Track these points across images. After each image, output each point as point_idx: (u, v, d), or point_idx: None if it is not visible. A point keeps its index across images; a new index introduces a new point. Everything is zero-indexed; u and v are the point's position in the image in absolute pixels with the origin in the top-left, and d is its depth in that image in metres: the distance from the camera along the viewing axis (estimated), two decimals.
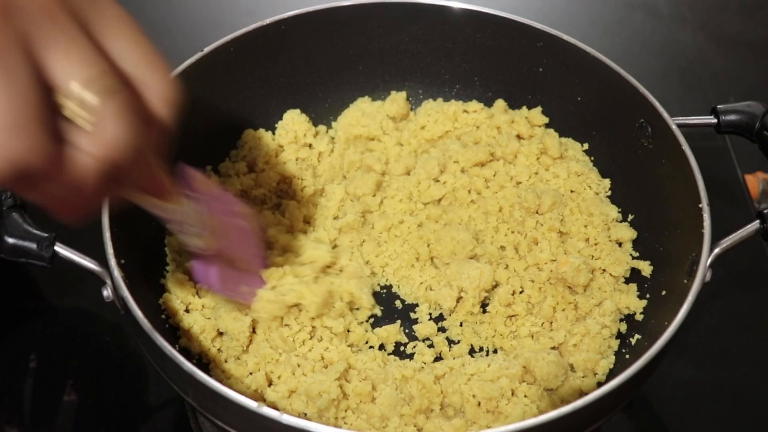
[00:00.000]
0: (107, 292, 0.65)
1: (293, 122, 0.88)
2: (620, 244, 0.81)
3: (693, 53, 1.21)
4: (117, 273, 0.64)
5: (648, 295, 0.77)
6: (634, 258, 0.80)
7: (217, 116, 0.85)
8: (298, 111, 0.89)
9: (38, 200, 0.44)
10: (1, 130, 0.39)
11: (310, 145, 0.88)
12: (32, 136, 0.40)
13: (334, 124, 0.91)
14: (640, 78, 0.81)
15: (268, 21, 0.84)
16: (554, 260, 0.78)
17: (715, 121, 0.78)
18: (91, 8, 0.44)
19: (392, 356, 0.73)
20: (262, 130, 0.88)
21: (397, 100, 0.90)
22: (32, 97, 0.40)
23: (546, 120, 0.89)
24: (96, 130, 0.43)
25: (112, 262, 0.65)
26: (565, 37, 0.84)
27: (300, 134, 0.87)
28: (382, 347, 0.75)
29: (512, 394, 0.69)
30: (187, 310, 0.73)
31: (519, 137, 0.89)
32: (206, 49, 0.80)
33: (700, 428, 0.81)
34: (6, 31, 0.39)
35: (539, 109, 0.90)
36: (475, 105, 0.91)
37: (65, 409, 0.78)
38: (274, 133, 0.88)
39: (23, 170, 0.41)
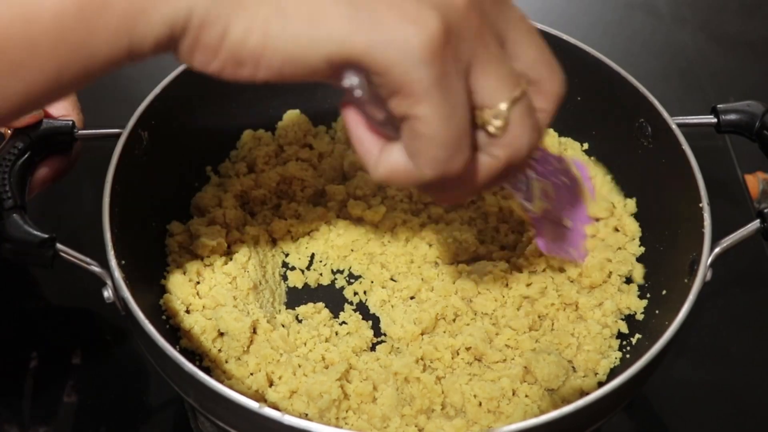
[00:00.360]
0: (108, 293, 0.65)
1: (293, 122, 0.88)
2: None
3: (693, 53, 1.22)
4: (118, 274, 0.64)
5: (648, 295, 0.77)
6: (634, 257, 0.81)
7: (217, 117, 0.85)
8: (297, 111, 0.89)
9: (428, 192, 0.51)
10: (442, 149, 0.44)
11: (310, 146, 0.88)
12: (463, 153, 0.45)
13: (334, 124, 0.91)
14: (640, 78, 0.81)
15: None
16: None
17: (714, 120, 0.79)
18: (501, 16, 0.46)
19: (392, 355, 0.73)
20: (261, 131, 0.88)
21: None
22: (465, 118, 0.45)
23: None
24: (505, 135, 0.46)
25: (113, 263, 0.65)
26: (564, 36, 0.85)
27: (300, 134, 0.88)
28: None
29: (513, 394, 0.70)
30: (187, 311, 0.74)
31: None
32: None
33: (700, 427, 0.81)
34: (451, 58, 0.43)
35: None
36: None
37: (65, 409, 0.78)
38: (274, 134, 0.88)
39: (446, 179, 0.46)
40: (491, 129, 0.46)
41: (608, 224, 0.82)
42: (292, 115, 0.88)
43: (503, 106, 0.45)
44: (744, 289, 0.91)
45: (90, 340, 0.83)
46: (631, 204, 0.83)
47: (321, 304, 0.77)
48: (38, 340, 0.83)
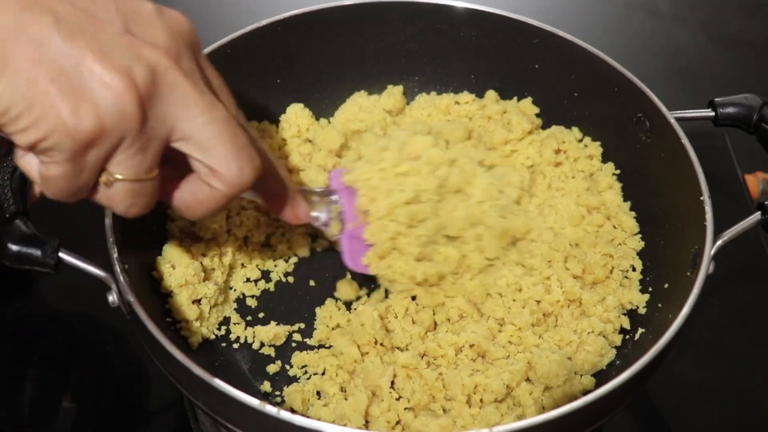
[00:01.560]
0: (112, 298, 0.67)
1: (296, 116, 0.89)
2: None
3: (693, 53, 1.23)
4: (122, 278, 0.65)
5: (650, 289, 0.79)
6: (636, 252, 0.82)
7: None
8: (301, 105, 0.91)
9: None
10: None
11: (311, 141, 0.89)
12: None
13: (331, 119, 0.93)
14: (641, 77, 0.83)
15: (264, 22, 0.85)
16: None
17: (712, 114, 0.80)
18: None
19: (396, 349, 0.75)
20: (266, 122, 0.90)
21: (393, 93, 0.92)
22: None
23: (536, 110, 0.91)
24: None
25: (117, 267, 0.66)
26: (560, 33, 0.86)
27: (303, 128, 0.89)
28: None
29: (516, 386, 0.70)
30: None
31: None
32: (203, 52, 0.81)
33: (700, 424, 0.82)
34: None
35: (529, 99, 0.92)
36: (466, 96, 0.93)
37: (64, 415, 0.79)
38: (277, 126, 0.90)
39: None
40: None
41: (606, 222, 0.83)
42: (295, 108, 0.90)
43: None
44: (743, 285, 0.93)
45: (89, 344, 0.85)
46: (626, 205, 0.85)
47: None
48: (39, 344, 0.84)
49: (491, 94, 0.92)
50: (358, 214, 0.76)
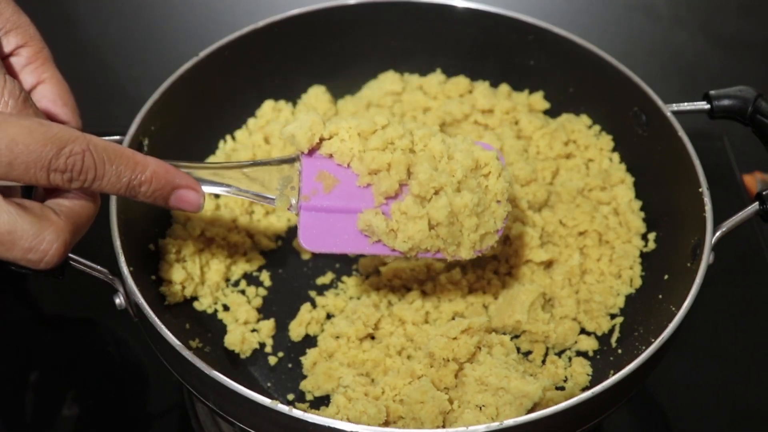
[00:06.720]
0: (119, 300, 0.69)
1: (316, 99, 0.92)
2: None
3: (692, 53, 1.26)
4: (130, 280, 0.68)
5: (649, 281, 0.82)
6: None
7: (209, 121, 0.89)
8: (323, 88, 0.93)
9: None
10: None
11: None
12: None
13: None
14: (640, 77, 0.85)
15: (261, 24, 0.87)
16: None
17: (708, 106, 0.83)
18: None
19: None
20: (282, 102, 0.93)
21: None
22: None
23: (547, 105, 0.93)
24: None
25: (125, 270, 0.68)
26: (555, 29, 0.89)
27: (320, 111, 0.92)
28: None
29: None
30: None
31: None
32: (201, 54, 0.84)
33: (697, 418, 0.85)
34: None
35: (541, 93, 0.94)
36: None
37: (65, 419, 0.81)
38: (294, 105, 0.93)
39: None
40: None
41: (614, 219, 0.86)
42: (317, 91, 0.93)
43: None
44: (739, 283, 0.95)
45: (90, 347, 0.86)
46: (637, 203, 0.87)
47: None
48: (40, 349, 0.85)
49: (504, 89, 0.94)
50: (322, 181, 0.68)
